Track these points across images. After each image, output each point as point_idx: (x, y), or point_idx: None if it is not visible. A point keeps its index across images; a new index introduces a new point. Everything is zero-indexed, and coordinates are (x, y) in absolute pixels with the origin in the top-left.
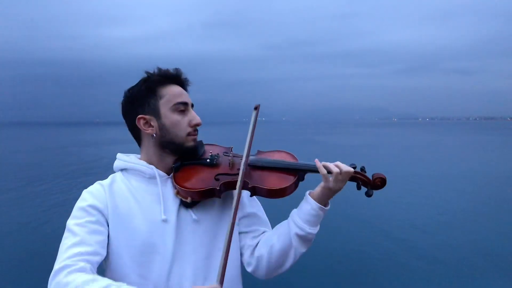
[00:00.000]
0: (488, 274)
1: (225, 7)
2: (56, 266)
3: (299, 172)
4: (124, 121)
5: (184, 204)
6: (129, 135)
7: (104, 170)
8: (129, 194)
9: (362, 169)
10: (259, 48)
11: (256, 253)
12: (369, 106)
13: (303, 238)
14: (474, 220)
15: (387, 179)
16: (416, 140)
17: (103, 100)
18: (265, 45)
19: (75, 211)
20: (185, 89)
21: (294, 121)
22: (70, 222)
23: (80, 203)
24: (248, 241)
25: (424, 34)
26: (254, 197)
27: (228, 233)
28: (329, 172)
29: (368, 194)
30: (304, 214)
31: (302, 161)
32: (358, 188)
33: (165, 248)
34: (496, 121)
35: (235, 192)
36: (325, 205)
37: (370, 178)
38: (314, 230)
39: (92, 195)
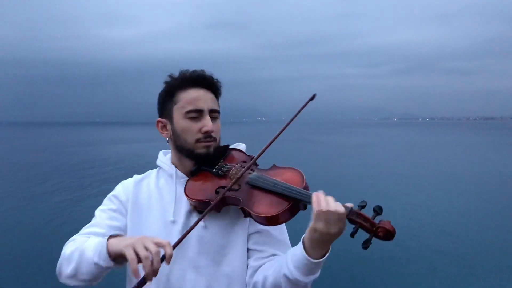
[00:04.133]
0: (488, 272)
1: (226, 8)
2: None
3: (294, 200)
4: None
5: (198, 211)
6: (131, 135)
7: (113, 170)
8: (154, 191)
9: (374, 209)
10: (260, 48)
11: (255, 277)
12: (369, 106)
13: (292, 283)
14: (475, 219)
15: (395, 232)
16: (416, 140)
17: (104, 100)
18: (265, 45)
19: (105, 200)
20: (214, 91)
21: (294, 121)
22: (98, 208)
23: (110, 193)
24: (252, 261)
25: (424, 34)
26: None
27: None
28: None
29: (365, 245)
30: (294, 257)
31: (303, 190)
32: (352, 234)
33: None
34: (496, 121)
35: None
36: (318, 254)
37: (375, 222)
38: (305, 278)
39: (122, 186)
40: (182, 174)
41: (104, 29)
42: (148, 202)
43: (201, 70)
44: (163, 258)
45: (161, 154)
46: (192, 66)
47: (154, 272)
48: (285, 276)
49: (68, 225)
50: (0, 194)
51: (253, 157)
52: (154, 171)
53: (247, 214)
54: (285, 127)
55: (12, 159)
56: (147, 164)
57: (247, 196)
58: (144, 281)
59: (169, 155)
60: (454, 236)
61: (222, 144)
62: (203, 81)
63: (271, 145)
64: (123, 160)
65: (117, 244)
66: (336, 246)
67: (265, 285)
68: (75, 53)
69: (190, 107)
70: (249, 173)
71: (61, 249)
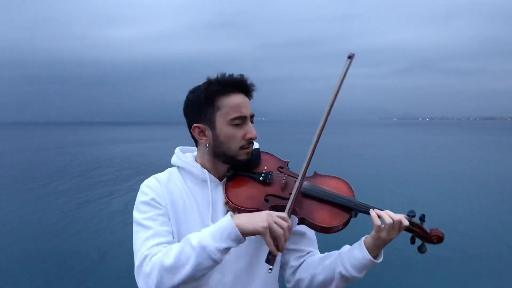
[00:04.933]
0: (488, 273)
1: (227, 8)
2: (137, 261)
3: (353, 211)
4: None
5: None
6: (133, 135)
7: (119, 170)
8: (185, 193)
9: (421, 218)
10: (260, 48)
11: (298, 275)
12: (369, 106)
13: (346, 279)
14: (474, 219)
15: (444, 237)
16: (416, 140)
17: (104, 100)
18: (265, 45)
19: (140, 206)
20: (249, 96)
21: (294, 121)
22: (139, 217)
23: (142, 198)
24: (292, 260)
25: (424, 34)
26: None
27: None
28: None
29: (421, 250)
30: (354, 259)
31: (358, 200)
32: (412, 241)
33: None
34: (496, 121)
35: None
36: (377, 255)
37: (427, 230)
38: (361, 275)
39: (151, 189)
40: (215, 178)
41: (104, 29)
42: (183, 206)
43: (240, 74)
44: None
45: (179, 153)
46: (193, 66)
47: (285, 244)
48: (341, 274)
49: (73, 226)
50: (3, 195)
51: (287, 163)
52: (174, 170)
53: (304, 223)
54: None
55: (13, 160)
56: (151, 164)
57: (302, 205)
58: (277, 254)
59: (188, 154)
60: (454, 235)
61: None
62: (243, 86)
63: (270, 145)
64: (125, 161)
65: (250, 224)
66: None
67: (313, 282)
68: (75, 53)
69: (235, 114)
70: (295, 181)
71: (65, 250)
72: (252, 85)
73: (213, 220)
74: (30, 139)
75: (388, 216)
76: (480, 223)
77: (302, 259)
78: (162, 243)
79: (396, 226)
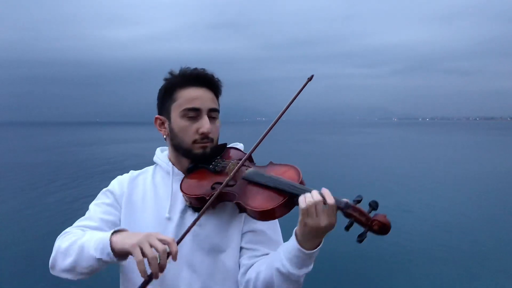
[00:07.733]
0: (486, 274)
1: (227, 9)
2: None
3: (290, 194)
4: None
5: (193, 207)
6: (134, 135)
7: (119, 170)
8: (149, 187)
9: (370, 204)
10: (260, 48)
11: (247, 275)
12: (369, 106)
13: (285, 277)
14: (474, 219)
15: (390, 226)
16: (416, 140)
17: (104, 100)
18: (265, 45)
19: (99, 194)
20: (214, 91)
21: (294, 121)
22: (92, 203)
23: (105, 188)
24: (244, 260)
25: (424, 34)
26: None
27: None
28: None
29: (359, 239)
30: (287, 251)
31: (298, 184)
32: (347, 228)
33: None
34: (496, 121)
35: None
36: (311, 246)
37: (368, 215)
38: (298, 271)
39: (117, 181)
40: (179, 171)
41: (105, 29)
42: (143, 198)
43: (202, 68)
44: (168, 255)
45: (158, 151)
46: (193, 66)
47: (161, 270)
48: (278, 270)
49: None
50: (11, 197)
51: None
52: (151, 167)
53: (242, 209)
54: (283, 112)
55: (13, 160)
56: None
57: (242, 191)
58: (150, 279)
59: (166, 152)
60: (454, 235)
61: (220, 143)
62: (203, 80)
63: (269, 145)
64: (134, 161)
65: (122, 243)
66: (336, 244)
67: (257, 281)
68: (75, 53)
69: (188, 106)
70: (246, 169)
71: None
72: (214, 79)
73: (171, 211)
74: (29, 140)
75: (311, 195)
76: (480, 222)
77: (255, 259)
78: (88, 226)
79: (319, 206)
